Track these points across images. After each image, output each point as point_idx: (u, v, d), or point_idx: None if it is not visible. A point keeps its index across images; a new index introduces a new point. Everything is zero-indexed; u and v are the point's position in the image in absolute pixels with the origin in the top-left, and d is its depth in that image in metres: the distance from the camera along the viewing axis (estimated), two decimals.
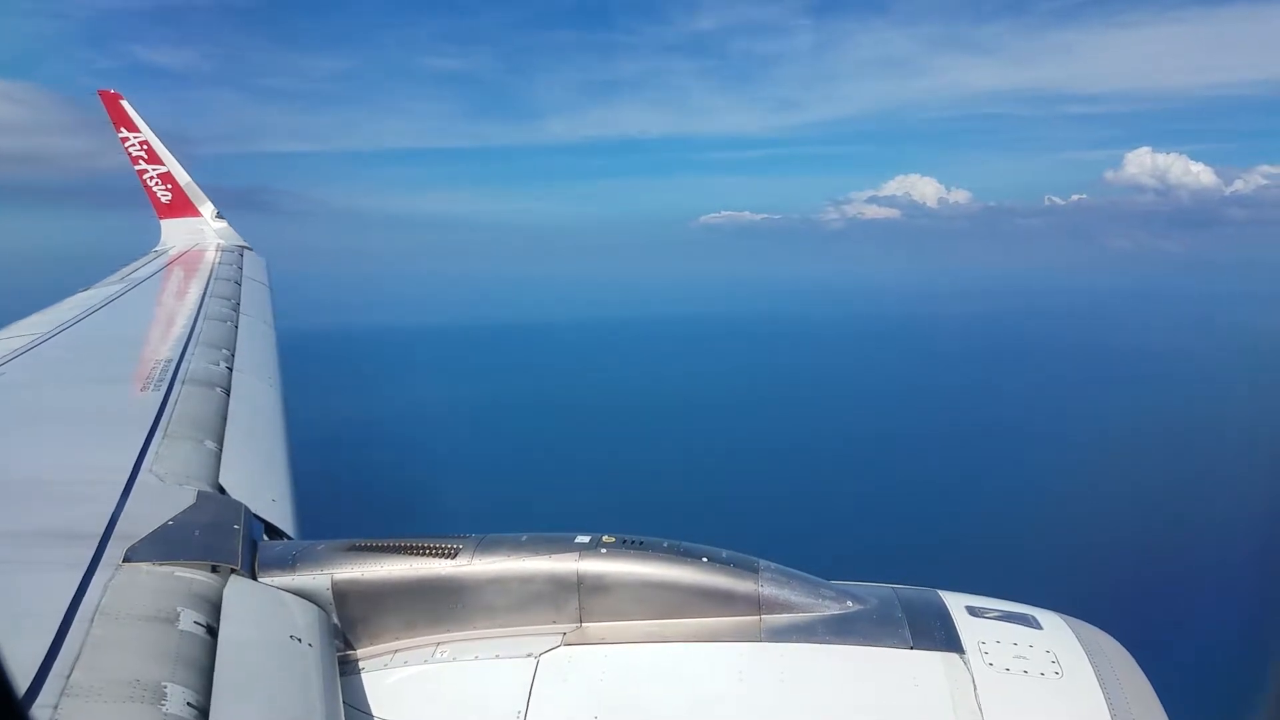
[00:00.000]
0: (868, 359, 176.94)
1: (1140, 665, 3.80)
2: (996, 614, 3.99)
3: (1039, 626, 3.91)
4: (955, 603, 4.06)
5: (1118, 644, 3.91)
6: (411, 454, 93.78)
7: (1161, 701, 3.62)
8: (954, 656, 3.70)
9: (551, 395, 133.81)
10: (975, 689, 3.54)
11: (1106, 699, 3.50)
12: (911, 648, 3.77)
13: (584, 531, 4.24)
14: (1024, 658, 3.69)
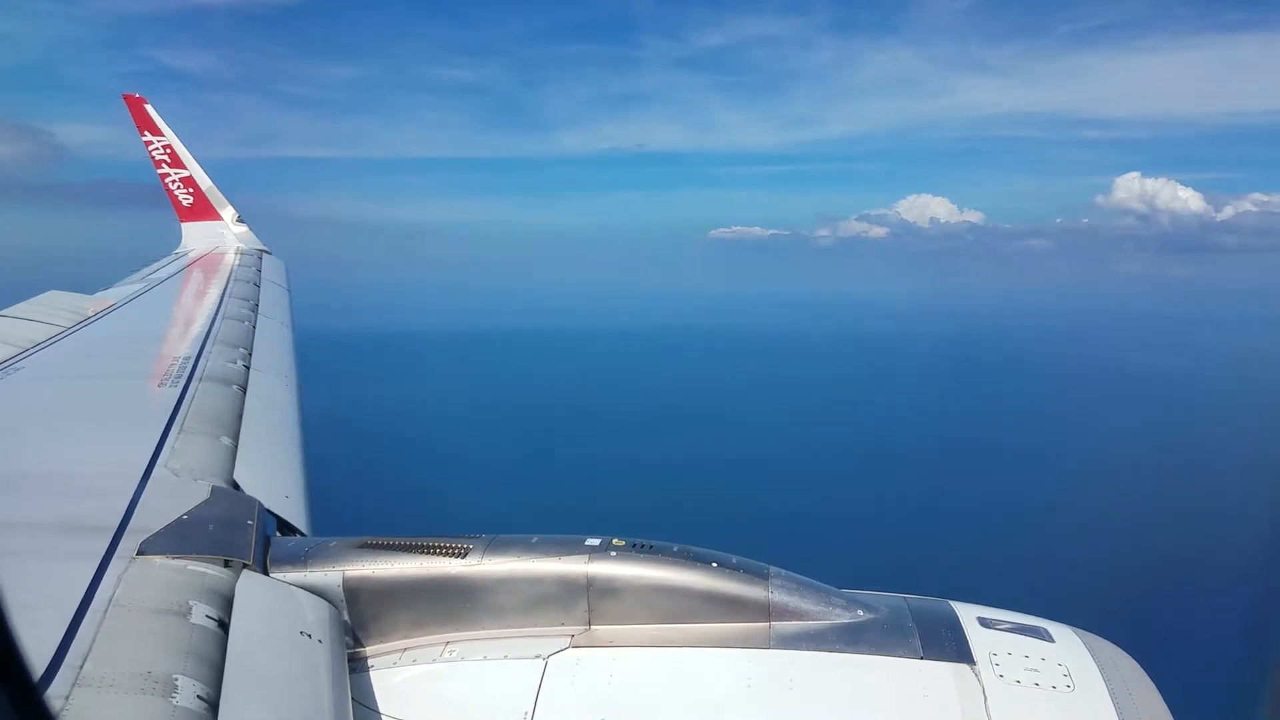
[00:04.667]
0: (874, 373, 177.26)
1: (1153, 679, 3.76)
2: (1008, 626, 3.96)
3: (1051, 639, 3.88)
4: (967, 614, 4.02)
5: (1130, 658, 3.87)
6: (423, 455, 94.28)
7: (1174, 716, 3.58)
8: (965, 668, 3.67)
9: (558, 400, 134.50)
10: (985, 701, 3.51)
11: (1118, 713, 3.46)
12: (922, 658, 3.73)
13: (594, 534, 4.25)
14: (1035, 670, 3.65)
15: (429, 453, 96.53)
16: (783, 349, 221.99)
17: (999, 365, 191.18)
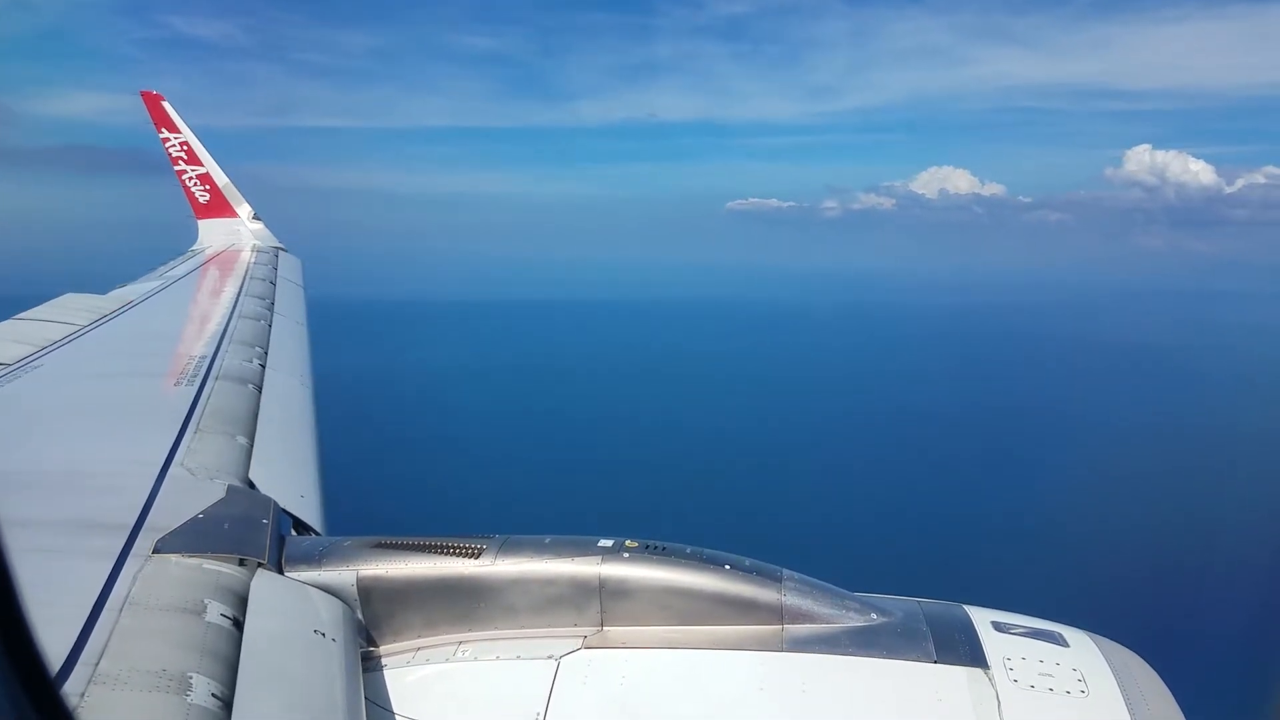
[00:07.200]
0: (886, 351, 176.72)
1: (1169, 685, 3.73)
2: (1023, 630, 3.95)
3: (1065, 644, 3.86)
4: (981, 618, 4.02)
5: (1145, 663, 3.85)
6: (435, 430, 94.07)
7: None
8: (978, 672, 3.66)
9: (570, 373, 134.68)
10: (999, 705, 3.50)
11: (1132, 719, 3.45)
12: (935, 662, 3.73)
13: (607, 535, 4.26)
14: (1049, 675, 3.64)
15: (441, 427, 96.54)
16: (800, 323, 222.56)
17: (1006, 341, 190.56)
